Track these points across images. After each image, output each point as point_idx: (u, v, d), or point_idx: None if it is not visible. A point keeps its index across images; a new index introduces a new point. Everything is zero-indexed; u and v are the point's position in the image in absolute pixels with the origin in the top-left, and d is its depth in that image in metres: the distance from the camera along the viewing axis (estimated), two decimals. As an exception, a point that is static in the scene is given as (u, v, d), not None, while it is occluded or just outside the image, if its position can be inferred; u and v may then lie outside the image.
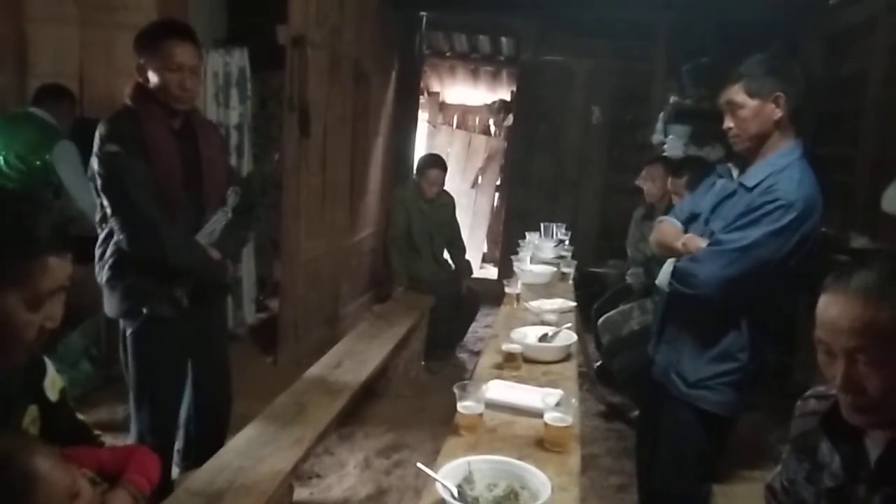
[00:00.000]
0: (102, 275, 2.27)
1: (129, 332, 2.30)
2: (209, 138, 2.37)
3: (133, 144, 2.13)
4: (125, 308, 2.26)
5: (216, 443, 2.38)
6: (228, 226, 2.36)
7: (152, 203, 2.16)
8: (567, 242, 4.23)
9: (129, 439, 2.38)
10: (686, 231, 2.15)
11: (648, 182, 4.14)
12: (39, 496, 1.05)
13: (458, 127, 8.34)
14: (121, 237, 2.17)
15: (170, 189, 2.21)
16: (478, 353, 4.13)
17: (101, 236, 2.27)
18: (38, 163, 3.46)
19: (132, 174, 2.13)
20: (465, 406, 1.74)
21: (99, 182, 2.17)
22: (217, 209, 2.34)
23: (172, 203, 2.22)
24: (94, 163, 2.17)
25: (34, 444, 1.14)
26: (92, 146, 2.20)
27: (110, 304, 2.29)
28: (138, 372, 2.33)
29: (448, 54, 7.46)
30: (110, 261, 2.23)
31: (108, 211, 2.18)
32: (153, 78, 2.17)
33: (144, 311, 2.22)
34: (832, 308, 1.08)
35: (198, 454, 2.44)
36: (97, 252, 2.29)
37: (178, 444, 2.57)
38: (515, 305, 2.95)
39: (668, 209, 3.95)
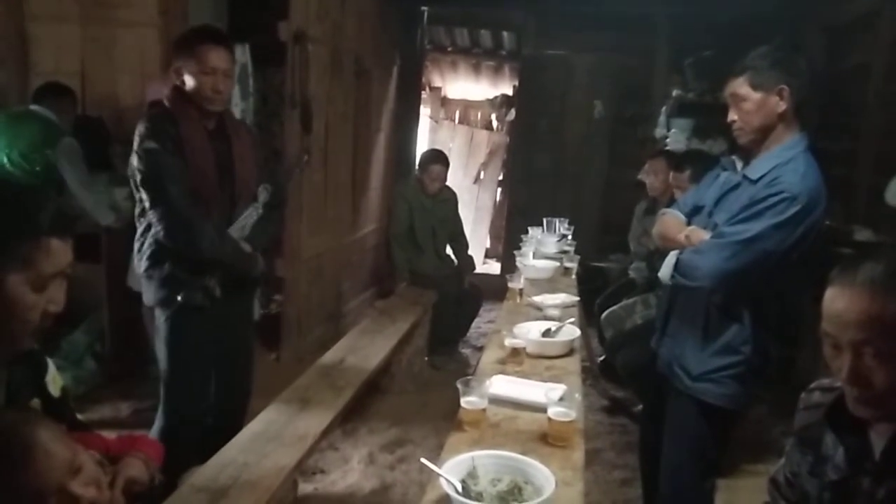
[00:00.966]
0: (141, 265, 2.39)
1: (163, 320, 2.40)
2: (241, 138, 2.47)
3: (170, 142, 2.26)
4: (161, 296, 2.36)
5: (231, 435, 2.38)
6: (259, 221, 2.45)
7: (187, 198, 2.27)
8: (570, 237, 4.22)
9: (154, 431, 2.41)
10: (689, 223, 2.15)
11: (651, 176, 4.13)
12: (38, 465, 1.07)
13: (459, 122, 8.33)
14: (158, 229, 2.29)
15: (204, 185, 2.32)
16: (481, 349, 4.12)
17: (140, 230, 2.38)
18: (41, 160, 3.46)
19: (169, 170, 2.24)
20: (468, 401, 1.74)
21: (138, 177, 2.28)
22: (248, 205, 2.44)
23: (207, 198, 2.33)
24: (134, 159, 2.29)
25: (37, 417, 1.16)
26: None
27: (147, 293, 2.40)
28: (171, 360, 2.42)
29: (449, 49, 7.43)
30: (148, 252, 2.35)
31: (147, 205, 2.29)
32: (189, 81, 2.28)
33: (179, 298, 2.32)
34: (839, 301, 1.07)
35: (213, 446, 2.45)
36: (136, 244, 2.40)
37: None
38: (518, 300, 2.95)
39: (671, 203, 3.93)
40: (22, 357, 1.29)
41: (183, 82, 2.30)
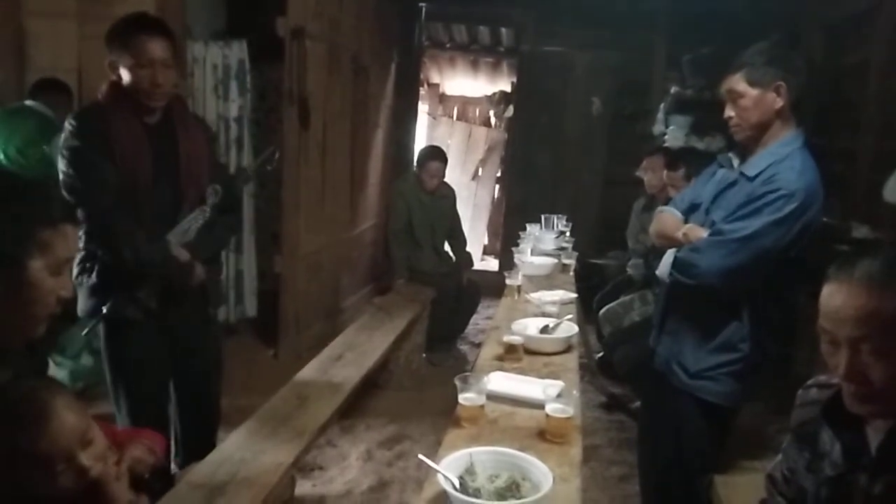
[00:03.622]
0: (73, 271, 2.18)
1: (102, 332, 2.25)
2: (191, 133, 2.29)
3: (96, 141, 2.08)
4: (89, 307, 2.20)
5: (203, 441, 2.37)
6: (206, 225, 2.26)
7: (111, 201, 2.09)
8: (568, 234, 4.22)
9: None
10: (687, 221, 2.15)
11: (649, 173, 4.13)
12: (50, 430, 1.11)
13: (458, 118, 8.31)
14: (82, 234, 2.12)
15: (136, 187, 2.14)
16: (479, 345, 4.13)
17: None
18: (37, 156, 3.45)
19: (91, 171, 2.07)
20: (466, 398, 1.74)
21: (61, 178, 2.11)
22: (195, 207, 2.25)
23: (140, 201, 2.16)
24: (59, 159, 2.12)
25: (59, 387, 1.20)
26: None
27: (79, 302, 2.22)
28: (111, 372, 2.29)
29: (448, 45, 7.42)
30: (79, 257, 2.18)
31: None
32: (125, 75, 2.11)
33: (104, 310, 2.16)
34: (836, 297, 1.07)
35: (186, 453, 2.43)
36: None
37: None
38: (516, 297, 2.95)
39: (669, 200, 3.93)
40: (26, 351, 1.30)
41: (119, 77, 2.11)
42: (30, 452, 1.11)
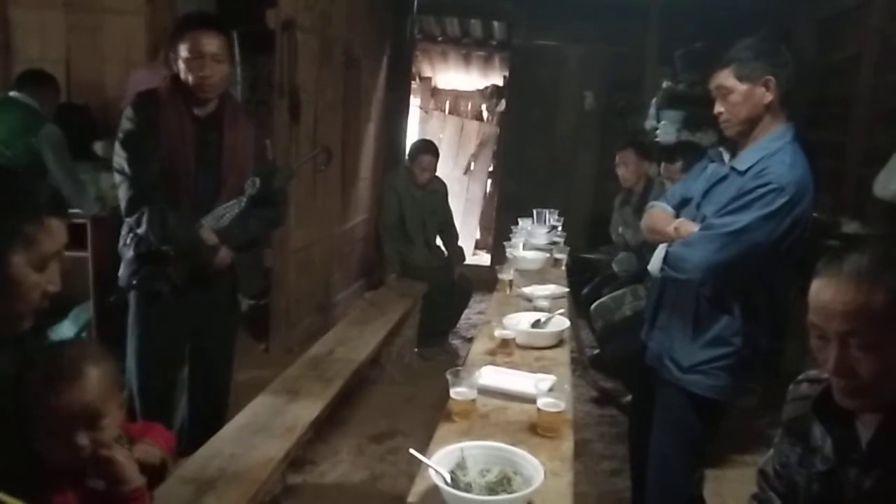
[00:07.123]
0: (120, 244, 2.41)
1: (132, 301, 2.42)
2: (238, 127, 2.43)
3: (146, 126, 2.26)
4: (124, 277, 2.38)
5: (212, 428, 2.37)
6: (241, 215, 2.40)
7: (150, 181, 2.26)
8: (559, 228, 4.23)
9: None
10: (678, 216, 2.15)
11: (622, 167, 4.14)
12: (75, 396, 1.16)
13: (450, 112, 8.30)
14: (129, 212, 2.30)
15: (178, 171, 2.30)
16: (470, 340, 4.12)
17: None
18: (23, 148, 3.43)
19: (137, 153, 2.25)
20: (457, 392, 1.74)
21: (115, 159, 2.31)
22: (234, 197, 2.40)
23: (180, 185, 2.31)
24: (116, 143, 2.32)
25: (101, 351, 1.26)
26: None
27: (120, 272, 2.41)
28: (131, 341, 2.42)
29: (440, 39, 7.39)
30: (123, 231, 2.37)
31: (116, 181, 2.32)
32: (180, 67, 2.28)
33: (134, 281, 2.34)
34: (825, 292, 1.07)
35: (193, 439, 2.43)
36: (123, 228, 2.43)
37: (174, 429, 2.56)
38: (508, 291, 2.95)
39: (646, 193, 3.94)
40: (15, 344, 1.29)
41: (178, 70, 2.29)
42: (54, 415, 1.14)
